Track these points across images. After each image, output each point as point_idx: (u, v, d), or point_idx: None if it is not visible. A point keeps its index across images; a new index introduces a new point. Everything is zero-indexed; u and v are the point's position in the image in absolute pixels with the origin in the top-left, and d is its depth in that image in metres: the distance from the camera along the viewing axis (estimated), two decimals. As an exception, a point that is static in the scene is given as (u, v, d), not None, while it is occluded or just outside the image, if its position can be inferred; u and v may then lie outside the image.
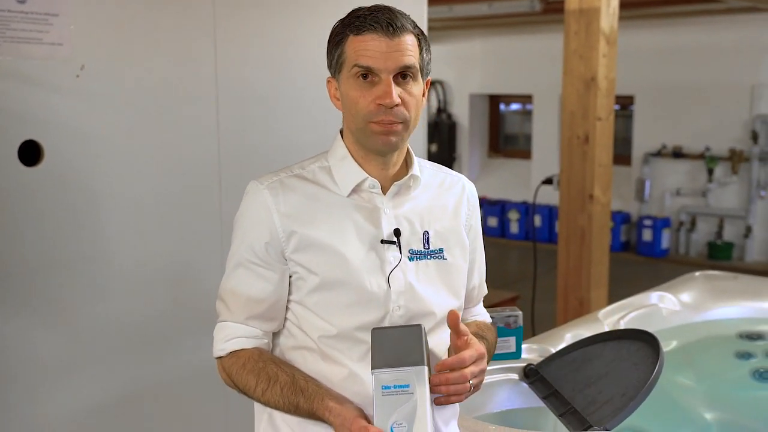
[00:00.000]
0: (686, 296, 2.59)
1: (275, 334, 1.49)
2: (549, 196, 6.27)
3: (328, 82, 1.43)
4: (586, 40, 3.94)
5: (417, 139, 3.40)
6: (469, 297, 1.57)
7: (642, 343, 1.65)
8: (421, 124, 3.46)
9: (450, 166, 8.47)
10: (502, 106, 9.89)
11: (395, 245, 1.40)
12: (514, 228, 8.80)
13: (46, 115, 2.13)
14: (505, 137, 9.97)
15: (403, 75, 1.34)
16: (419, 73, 1.38)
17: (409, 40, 1.35)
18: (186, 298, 2.45)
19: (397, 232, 1.41)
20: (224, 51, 2.53)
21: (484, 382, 1.85)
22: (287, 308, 1.45)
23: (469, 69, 9.45)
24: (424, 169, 1.50)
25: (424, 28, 3.38)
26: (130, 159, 2.32)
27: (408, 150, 1.47)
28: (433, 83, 9.62)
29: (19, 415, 2.11)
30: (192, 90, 2.47)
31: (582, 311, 3.94)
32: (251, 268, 1.42)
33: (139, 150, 2.34)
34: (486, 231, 9.00)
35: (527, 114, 9.50)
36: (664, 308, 2.49)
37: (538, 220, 8.37)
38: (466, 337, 1.31)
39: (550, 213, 8.15)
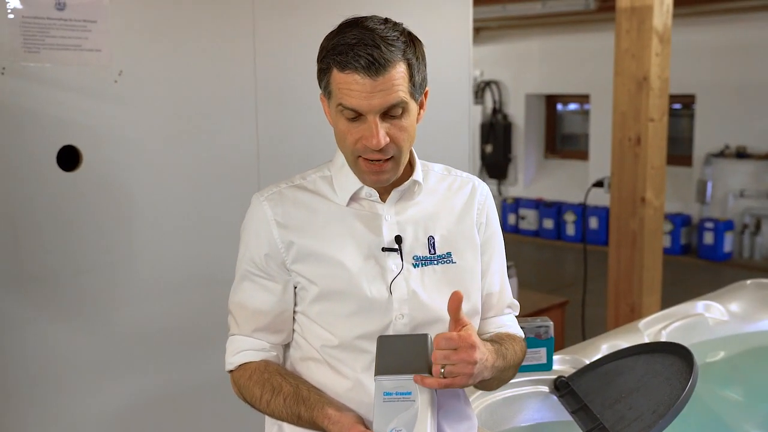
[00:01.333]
0: (735, 306, 2.48)
1: (286, 346, 1.48)
2: (605, 198, 6.15)
3: (321, 99, 1.38)
4: (638, 39, 3.83)
5: (466, 140, 3.34)
6: (488, 304, 1.50)
7: (676, 357, 1.57)
8: (472, 123, 3.41)
9: (505, 168, 8.36)
10: (559, 106, 9.73)
11: (397, 253, 1.37)
12: (570, 230, 8.64)
13: (85, 120, 2.15)
14: (563, 138, 9.81)
15: (391, 111, 1.28)
16: (411, 100, 1.31)
17: (397, 74, 1.26)
18: (222, 303, 2.45)
19: (398, 239, 1.37)
20: (264, 55, 2.52)
21: (514, 394, 1.81)
22: (294, 319, 1.44)
23: (525, 69, 9.32)
24: (431, 172, 1.47)
25: (470, 29, 3.33)
26: (168, 164, 2.33)
27: (411, 154, 1.43)
28: (488, 83, 9.54)
29: (48, 416, 2.15)
30: (231, 94, 2.47)
31: (633, 317, 3.83)
32: (255, 280, 1.41)
33: (176, 155, 2.35)
34: (542, 233, 8.88)
35: (585, 114, 9.32)
36: (711, 318, 2.38)
37: (594, 223, 8.20)
38: (463, 327, 1.23)
39: (607, 215, 7.98)
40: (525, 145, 9.52)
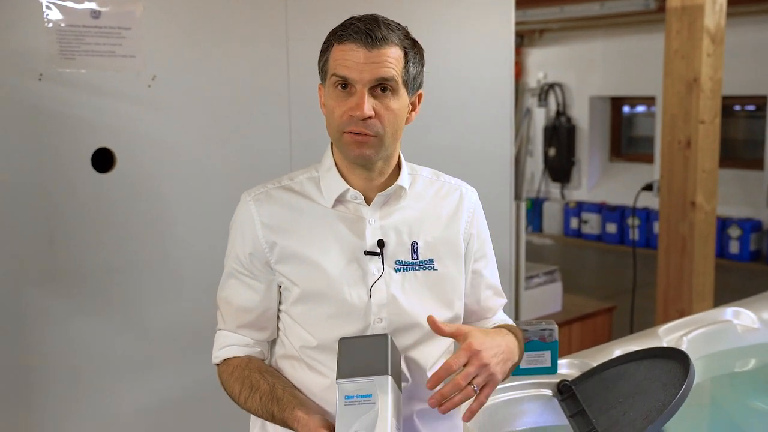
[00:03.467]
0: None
1: (272, 342, 1.51)
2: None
3: (319, 89, 1.43)
4: (688, 39, 3.74)
5: (507, 146, 3.32)
6: (487, 306, 1.54)
7: (675, 362, 1.55)
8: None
9: (568, 171, 8.18)
10: (627, 109, 9.53)
11: (379, 257, 1.38)
12: (635, 235, 8.46)
13: (119, 123, 2.23)
14: (631, 140, 9.60)
15: (382, 88, 1.31)
16: (401, 86, 1.34)
17: (391, 53, 1.31)
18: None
19: (380, 243, 1.38)
20: (296, 59, 2.56)
21: (515, 397, 1.81)
22: (278, 317, 1.47)
23: (589, 71, 9.16)
24: (419, 177, 1.48)
25: (512, 31, 3.32)
26: (200, 165, 2.39)
27: (399, 158, 1.45)
28: (551, 86, 9.42)
29: (91, 410, 2.23)
30: (264, 99, 2.51)
31: (682, 324, 3.74)
32: (239, 278, 1.44)
33: (209, 158, 2.41)
34: (604, 238, 8.71)
35: (652, 116, 9.11)
36: (740, 325, 2.31)
37: (657, 227, 8.00)
38: (454, 330, 1.29)
39: (672, 220, 7.76)
40: (589, 148, 9.35)
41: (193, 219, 2.39)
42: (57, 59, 2.12)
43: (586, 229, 8.90)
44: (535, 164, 9.61)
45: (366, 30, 1.30)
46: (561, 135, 9.38)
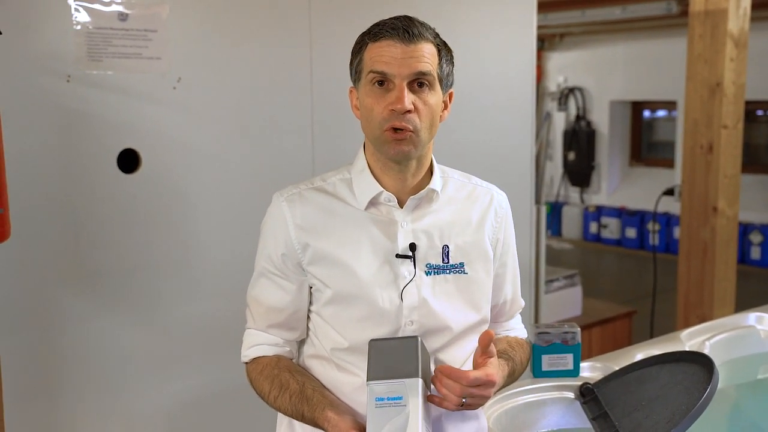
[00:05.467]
0: (793, 319, 2.38)
1: (301, 342, 1.52)
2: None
3: (350, 92, 1.44)
4: (711, 43, 3.73)
5: (528, 151, 3.31)
6: (501, 311, 1.55)
7: (698, 366, 1.55)
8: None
9: (588, 175, 8.11)
10: (647, 113, 9.48)
11: (410, 260, 1.38)
12: (655, 240, 8.42)
13: (144, 125, 2.25)
14: (651, 145, 9.55)
15: (419, 83, 1.33)
16: (436, 82, 1.36)
17: (427, 48, 1.33)
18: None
19: (412, 247, 1.38)
20: (320, 62, 2.58)
21: (538, 399, 1.81)
22: (308, 317, 1.47)
23: (609, 75, 9.12)
24: (450, 180, 1.48)
25: (533, 35, 3.32)
26: (224, 166, 2.41)
27: (432, 161, 1.45)
28: (572, 90, 9.39)
29: (112, 408, 2.25)
30: (287, 100, 2.53)
31: (703, 330, 3.72)
32: (271, 278, 1.45)
33: (232, 158, 2.42)
34: (624, 242, 8.68)
35: (672, 121, 9.06)
36: (762, 330, 2.30)
37: (677, 232, 7.95)
38: (488, 360, 1.30)
39: (693, 225, 7.70)
40: (609, 153, 9.32)
41: (217, 219, 2.41)
42: (85, 61, 2.15)
43: (606, 234, 8.87)
44: (555, 168, 9.59)
45: (402, 26, 1.32)
46: (581, 139, 9.35)
